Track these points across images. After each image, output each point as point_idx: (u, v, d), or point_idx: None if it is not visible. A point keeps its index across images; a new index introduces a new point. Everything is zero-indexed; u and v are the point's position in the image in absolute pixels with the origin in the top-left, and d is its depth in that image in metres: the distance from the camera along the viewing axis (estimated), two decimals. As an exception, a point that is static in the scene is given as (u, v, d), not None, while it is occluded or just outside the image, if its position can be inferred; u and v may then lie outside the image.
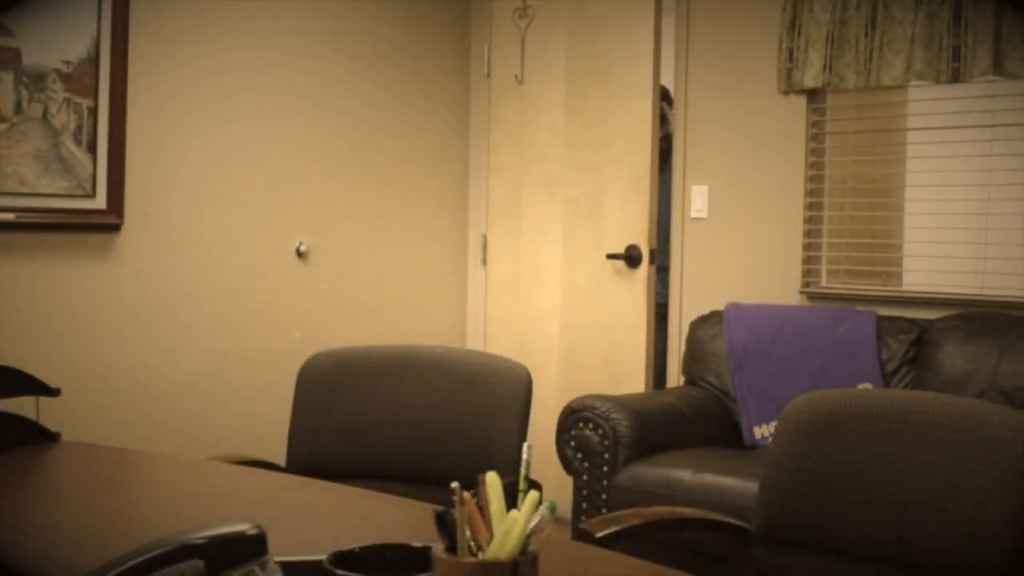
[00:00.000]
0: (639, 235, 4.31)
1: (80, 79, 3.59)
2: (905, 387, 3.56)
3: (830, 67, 3.88)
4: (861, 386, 3.54)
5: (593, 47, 4.43)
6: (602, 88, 4.40)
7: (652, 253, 4.31)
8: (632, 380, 4.33)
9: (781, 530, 1.87)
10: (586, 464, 3.57)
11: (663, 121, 4.47)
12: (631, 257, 4.32)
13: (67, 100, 3.57)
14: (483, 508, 1.18)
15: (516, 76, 4.64)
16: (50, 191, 3.56)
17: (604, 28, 4.40)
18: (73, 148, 3.60)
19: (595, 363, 4.44)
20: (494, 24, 4.72)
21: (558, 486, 3.88)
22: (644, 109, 4.28)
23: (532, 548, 1.16)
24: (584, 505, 3.58)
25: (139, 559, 1.09)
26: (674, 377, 4.32)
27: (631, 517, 1.98)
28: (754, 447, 3.78)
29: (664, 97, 4.50)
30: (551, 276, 4.58)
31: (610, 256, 4.36)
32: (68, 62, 3.56)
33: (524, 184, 4.66)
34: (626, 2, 4.32)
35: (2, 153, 3.45)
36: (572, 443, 3.61)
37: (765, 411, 3.78)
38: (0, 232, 3.47)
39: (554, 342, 4.57)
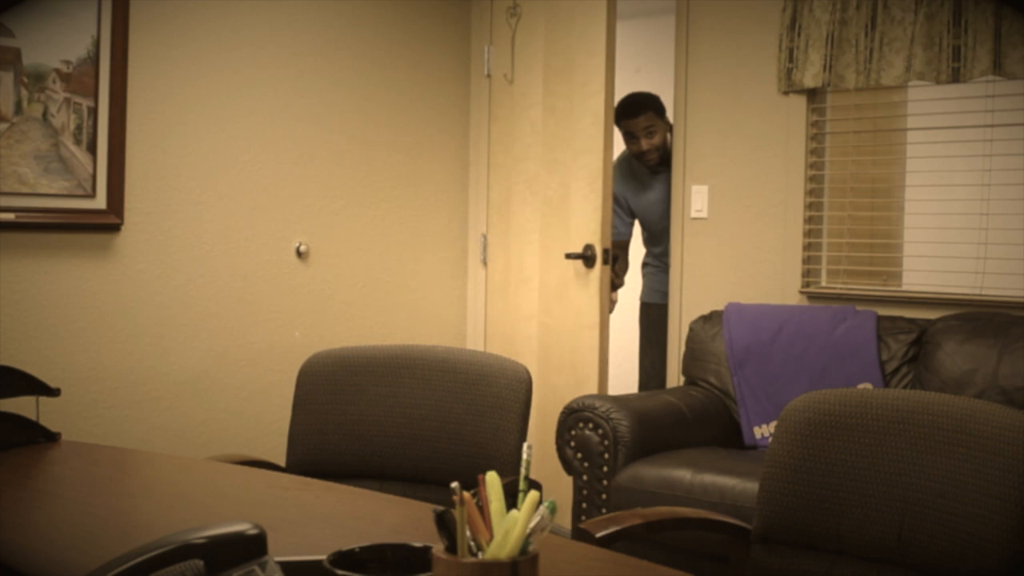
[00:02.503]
0: (594, 234, 4.23)
1: (80, 79, 3.59)
2: (905, 387, 3.56)
3: (830, 67, 3.88)
4: (861, 386, 3.54)
5: (561, 44, 4.38)
6: (568, 85, 4.34)
7: (606, 253, 4.21)
8: (590, 383, 4.25)
9: (781, 530, 1.87)
10: (586, 464, 3.57)
11: (653, 132, 4.43)
12: (587, 257, 4.23)
13: (67, 100, 3.57)
14: (483, 508, 1.18)
15: (506, 75, 4.62)
16: (50, 191, 3.56)
17: (570, 24, 4.32)
18: (73, 148, 3.61)
19: (563, 365, 4.37)
20: (493, 24, 4.72)
21: (558, 486, 3.88)
22: (598, 106, 4.19)
23: (532, 548, 1.16)
24: (584, 505, 3.58)
25: (139, 559, 1.09)
26: (674, 377, 4.32)
27: (631, 517, 1.98)
28: (754, 447, 3.78)
29: (655, 107, 4.46)
30: (532, 276, 4.53)
31: (568, 256, 4.28)
32: (68, 62, 3.56)
33: (513, 183, 4.63)
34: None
35: (2, 153, 3.45)
36: (572, 443, 3.61)
37: (765, 411, 3.78)
38: (0, 232, 3.47)
39: (533, 343, 4.53)
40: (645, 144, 4.43)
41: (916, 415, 1.78)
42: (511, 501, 1.19)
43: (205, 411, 3.96)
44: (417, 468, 2.27)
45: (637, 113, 4.40)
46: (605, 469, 3.53)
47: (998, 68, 3.52)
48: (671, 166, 4.40)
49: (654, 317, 4.63)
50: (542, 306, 4.48)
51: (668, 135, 4.46)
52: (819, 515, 1.83)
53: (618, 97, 4.39)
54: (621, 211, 4.61)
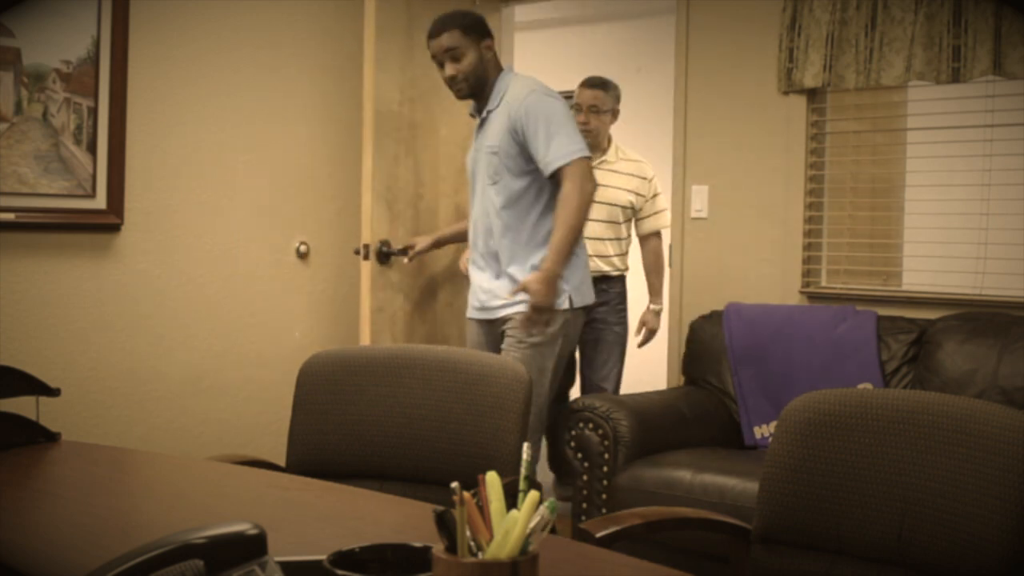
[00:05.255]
0: None
1: (80, 79, 3.59)
2: (905, 387, 3.55)
3: (830, 67, 3.88)
4: (861, 386, 3.54)
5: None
6: None
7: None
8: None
9: (781, 530, 1.87)
10: (586, 464, 3.57)
11: (459, 55, 3.44)
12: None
13: (67, 100, 3.57)
14: (483, 508, 1.18)
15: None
16: (50, 191, 3.56)
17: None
18: (73, 148, 3.60)
19: None
20: (503, 26, 4.71)
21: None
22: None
23: (532, 548, 1.16)
24: (584, 505, 3.58)
25: (139, 559, 1.09)
26: (674, 377, 4.32)
27: (631, 517, 1.98)
28: (754, 447, 3.78)
29: (461, 24, 3.46)
30: None
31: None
32: (68, 62, 3.56)
33: None
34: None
35: (2, 153, 3.45)
36: (572, 443, 3.61)
37: (765, 411, 3.78)
38: (0, 232, 3.47)
39: None
40: (450, 69, 3.46)
41: (916, 415, 1.78)
42: (511, 501, 1.19)
43: (205, 411, 3.96)
44: (417, 468, 2.27)
45: (438, 33, 3.46)
46: (605, 469, 3.53)
47: (998, 68, 3.52)
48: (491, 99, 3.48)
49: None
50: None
51: (483, 56, 3.47)
52: (819, 515, 1.83)
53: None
54: None
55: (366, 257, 3.99)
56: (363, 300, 4.00)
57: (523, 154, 3.34)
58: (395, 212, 4.10)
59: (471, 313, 3.55)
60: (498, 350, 3.42)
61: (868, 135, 4.06)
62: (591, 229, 3.97)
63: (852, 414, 1.84)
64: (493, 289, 3.44)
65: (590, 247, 3.96)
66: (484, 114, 3.48)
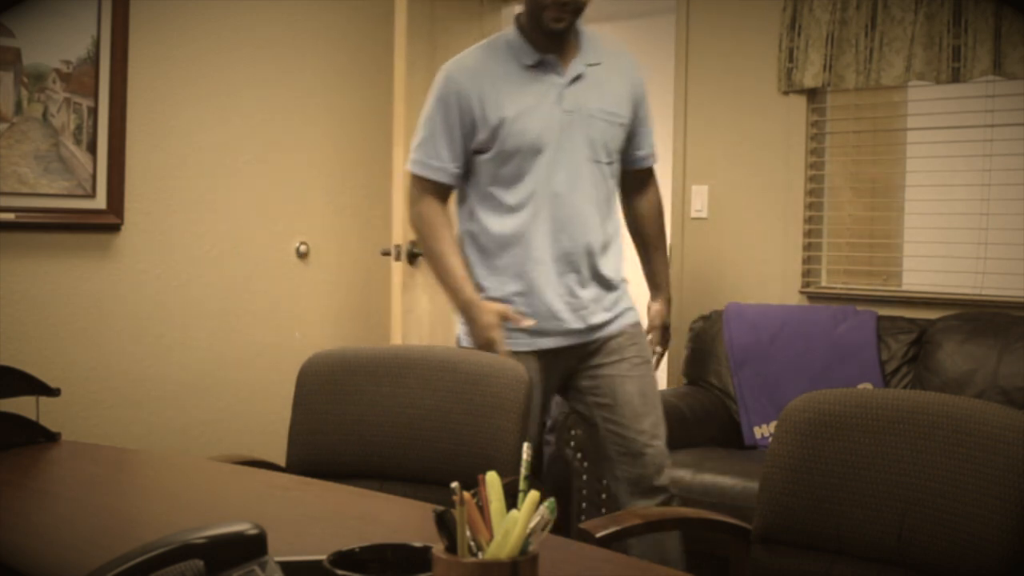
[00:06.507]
0: None
1: (80, 79, 3.59)
2: (905, 387, 3.56)
3: (830, 67, 3.88)
4: (861, 386, 3.54)
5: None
6: None
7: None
8: None
9: (781, 530, 1.87)
10: (586, 464, 3.57)
11: None
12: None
13: (67, 100, 3.57)
14: (483, 508, 1.18)
15: None
16: (50, 191, 3.56)
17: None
18: (73, 148, 3.60)
19: None
20: (503, 26, 4.71)
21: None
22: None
23: (532, 548, 1.16)
24: (584, 505, 3.58)
25: (139, 559, 1.09)
26: (674, 377, 4.32)
27: (631, 517, 1.98)
28: (754, 447, 3.78)
29: None
30: None
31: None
32: (68, 62, 3.56)
33: None
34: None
35: (2, 153, 3.45)
36: (572, 443, 3.60)
37: (765, 411, 3.78)
38: (0, 232, 3.47)
39: None
40: None
41: (916, 415, 1.78)
42: (511, 501, 1.19)
43: (205, 411, 3.96)
44: (417, 468, 2.27)
45: None
46: (605, 469, 3.52)
47: (998, 68, 3.52)
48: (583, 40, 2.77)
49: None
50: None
51: None
52: (819, 515, 1.83)
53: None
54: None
55: (397, 258, 4.01)
56: (394, 301, 4.03)
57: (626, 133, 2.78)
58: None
59: (543, 343, 2.72)
60: (558, 385, 2.82)
61: (868, 135, 4.06)
62: None
63: (852, 414, 1.84)
64: (601, 299, 2.76)
65: None
66: (581, 68, 2.69)
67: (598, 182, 2.70)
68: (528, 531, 1.15)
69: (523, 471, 1.22)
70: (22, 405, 2.16)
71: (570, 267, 2.69)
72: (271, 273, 4.15)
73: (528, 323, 2.67)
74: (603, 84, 2.71)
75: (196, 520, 1.28)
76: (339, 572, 1.18)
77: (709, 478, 3.33)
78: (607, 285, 2.75)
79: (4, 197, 3.47)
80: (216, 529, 1.13)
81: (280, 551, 1.21)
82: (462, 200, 2.79)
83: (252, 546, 1.14)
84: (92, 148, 3.64)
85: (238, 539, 1.14)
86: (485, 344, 2.64)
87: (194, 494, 1.94)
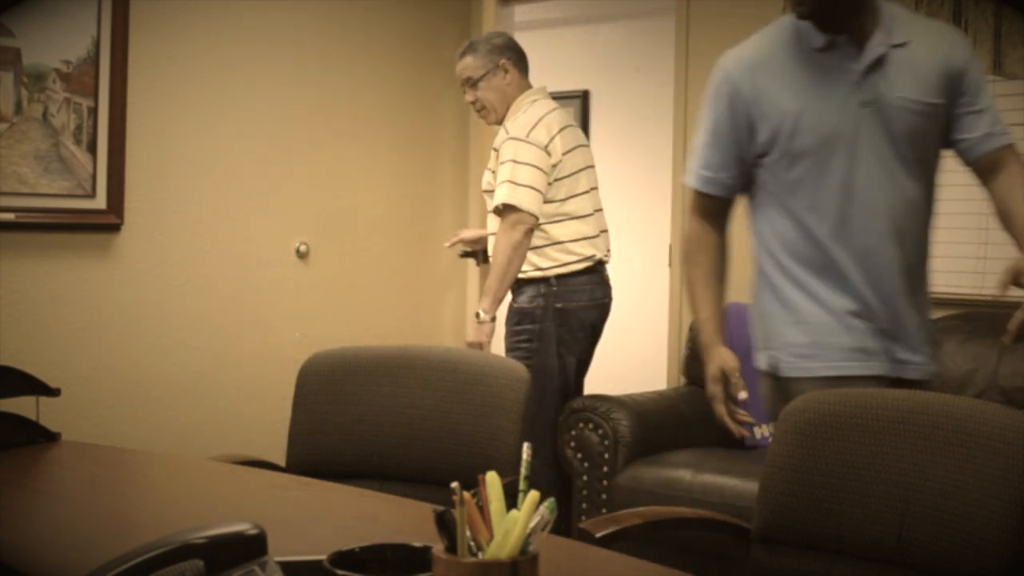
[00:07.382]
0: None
1: (80, 79, 3.59)
2: (905, 387, 3.55)
3: (830, 67, 3.87)
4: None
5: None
6: None
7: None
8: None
9: (781, 530, 1.87)
10: (586, 464, 3.57)
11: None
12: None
13: (67, 100, 3.57)
14: (483, 508, 1.18)
15: None
16: (50, 191, 3.56)
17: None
18: (73, 148, 3.60)
19: None
20: (497, 24, 4.71)
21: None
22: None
23: (532, 548, 1.16)
24: (584, 505, 3.58)
25: (139, 559, 1.09)
26: (674, 377, 4.32)
27: (631, 517, 1.98)
28: (754, 447, 3.78)
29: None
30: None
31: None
32: (68, 62, 3.56)
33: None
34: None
35: (2, 153, 3.45)
36: (572, 443, 3.61)
37: (765, 411, 3.78)
38: (0, 232, 3.47)
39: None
40: None
41: (916, 415, 1.78)
42: (511, 501, 1.19)
43: (205, 411, 3.96)
44: (417, 468, 2.27)
45: None
46: (605, 469, 3.53)
47: (998, 68, 3.52)
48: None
49: None
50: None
51: None
52: (819, 515, 1.83)
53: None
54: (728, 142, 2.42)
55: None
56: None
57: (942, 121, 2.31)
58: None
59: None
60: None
61: (868, 135, 4.05)
62: (493, 222, 3.56)
63: (852, 414, 1.84)
64: (920, 335, 2.37)
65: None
66: (882, 50, 2.20)
67: (915, 183, 2.35)
68: (528, 531, 1.15)
69: (523, 471, 1.22)
70: (22, 405, 2.16)
71: (888, 286, 2.34)
72: (271, 273, 4.15)
73: (741, 396, 2.43)
74: (910, 67, 2.21)
75: (196, 520, 1.28)
76: (339, 572, 1.18)
77: (709, 478, 3.33)
78: (925, 309, 2.42)
79: (4, 197, 3.47)
80: (216, 529, 1.14)
81: (280, 551, 1.21)
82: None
83: (252, 546, 1.14)
84: (92, 148, 3.64)
85: (238, 539, 1.14)
86: (709, 396, 2.45)
87: (194, 494, 1.94)
